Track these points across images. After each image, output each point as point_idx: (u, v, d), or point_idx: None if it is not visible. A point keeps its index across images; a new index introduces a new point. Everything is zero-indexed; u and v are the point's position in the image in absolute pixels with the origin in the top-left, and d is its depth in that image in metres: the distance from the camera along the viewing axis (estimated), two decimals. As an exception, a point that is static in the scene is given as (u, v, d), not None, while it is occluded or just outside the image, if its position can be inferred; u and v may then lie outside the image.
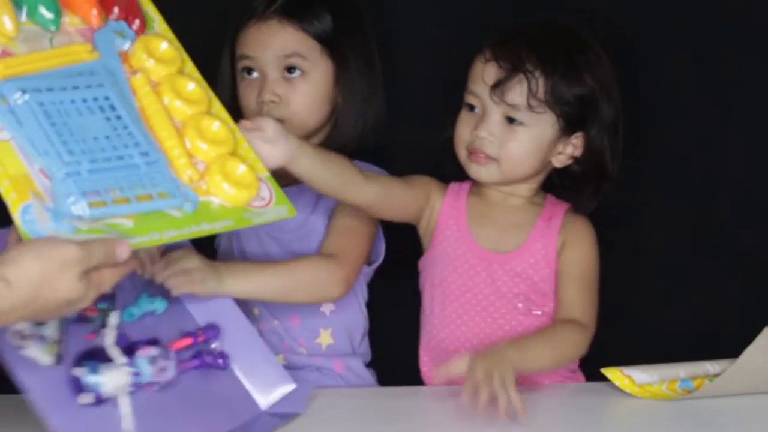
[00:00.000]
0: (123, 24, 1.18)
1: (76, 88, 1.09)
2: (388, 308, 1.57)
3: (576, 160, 1.45)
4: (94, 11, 1.16)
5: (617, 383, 1.34)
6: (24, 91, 1.04)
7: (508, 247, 1.45)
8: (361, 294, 1.54)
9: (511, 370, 1.23)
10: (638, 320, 1.50)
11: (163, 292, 1.27)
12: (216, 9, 1.58)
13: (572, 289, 1.42)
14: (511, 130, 1.40)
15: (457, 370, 1.25)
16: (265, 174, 1.17)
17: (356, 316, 1.54)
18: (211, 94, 1.21)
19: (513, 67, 1.39)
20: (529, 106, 1.38)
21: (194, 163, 1.12)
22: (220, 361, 1.26)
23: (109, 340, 1.17)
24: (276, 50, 1.46)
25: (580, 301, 1.41)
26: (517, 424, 1.22)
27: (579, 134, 1.43)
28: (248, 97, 1.49)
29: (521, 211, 1.47)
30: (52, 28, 1.13)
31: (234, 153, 1.16)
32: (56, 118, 1.05)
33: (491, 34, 1.46)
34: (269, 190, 1.16)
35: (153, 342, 1.20)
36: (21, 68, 1.07)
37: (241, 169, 1.14)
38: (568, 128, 1.42)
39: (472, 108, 1.44)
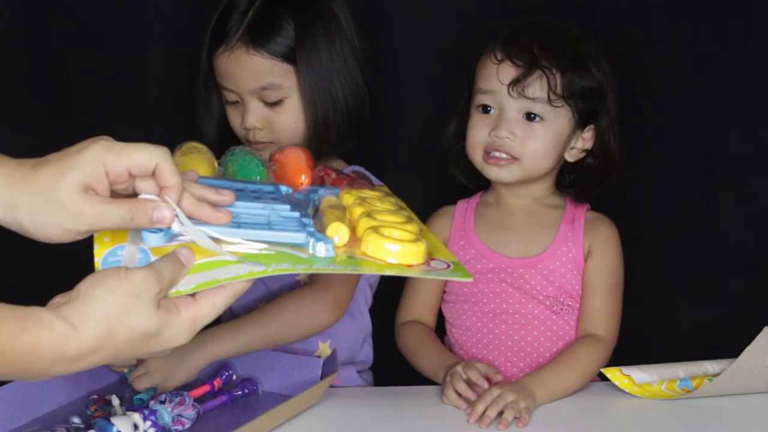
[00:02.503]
0: (339, 189, 1.15)
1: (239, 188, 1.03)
2: (389, 309, 1.56)
3: (587, 153, 1.47)
4: (304, 176, 1.15)
5: (617, 383, 1.34)
6: None
7: (533, 251, 1.46)
8: (364, 301, 1.53)
9: (533, 408, 1.27)
10: (638, 320, 1.49)
11: None
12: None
13: (597, 301, 1.43)
14: (531, 127, 1.41)
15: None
16: (453, 259, 1.02)
17: (356, 325, 1.52)
18: (415, 223, 1.07)
19: (529, 64, 1.40)
20: (549, 100, 1.40)
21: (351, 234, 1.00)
22: (246, 390, 1.31)
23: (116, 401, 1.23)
24: (249, 83, 1.42)
25: (604, 314, 1.43)
26: (516, 423, 1.23)
27: (590, 127, 1.45)
28: (234, 122, 1.48)
29: (543, 214, 1.48)
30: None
31: (416, 241, 1.00)
32: None
33: (494, 34, 1.46)
34: (447, 264, 1.01)
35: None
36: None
37: (397, 234, 0.99)
38: (581, 122, 1.44)
39: (486, 109, 1.44)
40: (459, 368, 1.33)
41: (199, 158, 1.16)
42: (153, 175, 0.90)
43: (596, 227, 1.46)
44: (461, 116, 1.50)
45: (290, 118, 1.43)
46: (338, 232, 0.98)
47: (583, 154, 1.47)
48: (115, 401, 1.24)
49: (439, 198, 1.58)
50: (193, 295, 0.90)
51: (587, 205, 1.49)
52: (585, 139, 1.46)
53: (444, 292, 1.51)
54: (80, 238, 0.90)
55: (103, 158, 0.88)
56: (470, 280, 0.98)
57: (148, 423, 1.16)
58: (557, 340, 1.44)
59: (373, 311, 1.55)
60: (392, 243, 0.97)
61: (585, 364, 1.37)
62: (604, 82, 1.44)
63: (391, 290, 1.53)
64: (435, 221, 1.53)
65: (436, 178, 1.66)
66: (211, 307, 0.90)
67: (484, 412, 1.25)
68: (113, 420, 1.14)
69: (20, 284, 1.47)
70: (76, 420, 1.22)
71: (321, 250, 0.94)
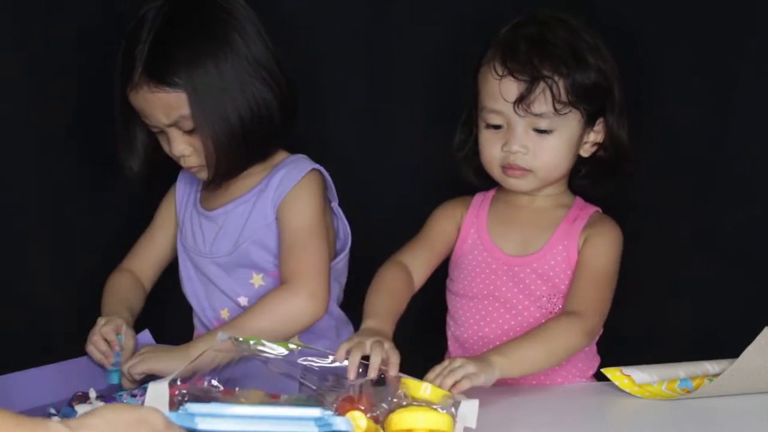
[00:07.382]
0: None
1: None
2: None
3: (599, 146, 1.47)
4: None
5: (617, 383, 1.34)
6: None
7: (531, 249, 1.46)
8: (332, 294, 1.52)
9: (496, 376, 1.24)
10: (638, 320, 1.49)
11: None
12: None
13: (582, 282, 1.42)
14: (542, 139, 1.41)
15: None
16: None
17: (330, 319, 1.53)
18: None
19: (531, 78, 1.38)
20: (556, 111, 1.39)
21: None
22: None
23: None
24: (161, 119, 1.43)
25: (585, 292, 1.41)
26: (517, 423, 1.22)
27: (600, 120, 1.45)
28: (165, 149, 1.49)
29: (547, 213, 1.48)
30: None
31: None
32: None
33: (488, 30, 1.46)
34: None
35: None
36: None
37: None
38: (590, 119, 1.44)
39: (496, 127, 1.43)
40: (367, 342, 1.26)
41: None
42: None
43: (596, 224, 1.46)
44: (466, 124, 1.50)
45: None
46: (357, 420, 1.06)
47: (595, 148, 1.47)
48: (92, 394, 1.28)
49: (434, 198, 1.58)
50: None
51: (596, 208, 1.49)
52: (596, 132, 1.46)
53: (449, 266, 1.51)
54: None
55: None
56: None
57: None
58: None
59: (349, 306, 1.55)
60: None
61: (555, 337, 1.34)
62: (607, 74, 1.43)
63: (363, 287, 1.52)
64: (450, 205, 1.53)
65: (430, 182, 1.66)
66: None
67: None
68: (77, 408, 1.19)
69: None
70: (53, 410, 1.25)
71: (341, 423, 1.02)
